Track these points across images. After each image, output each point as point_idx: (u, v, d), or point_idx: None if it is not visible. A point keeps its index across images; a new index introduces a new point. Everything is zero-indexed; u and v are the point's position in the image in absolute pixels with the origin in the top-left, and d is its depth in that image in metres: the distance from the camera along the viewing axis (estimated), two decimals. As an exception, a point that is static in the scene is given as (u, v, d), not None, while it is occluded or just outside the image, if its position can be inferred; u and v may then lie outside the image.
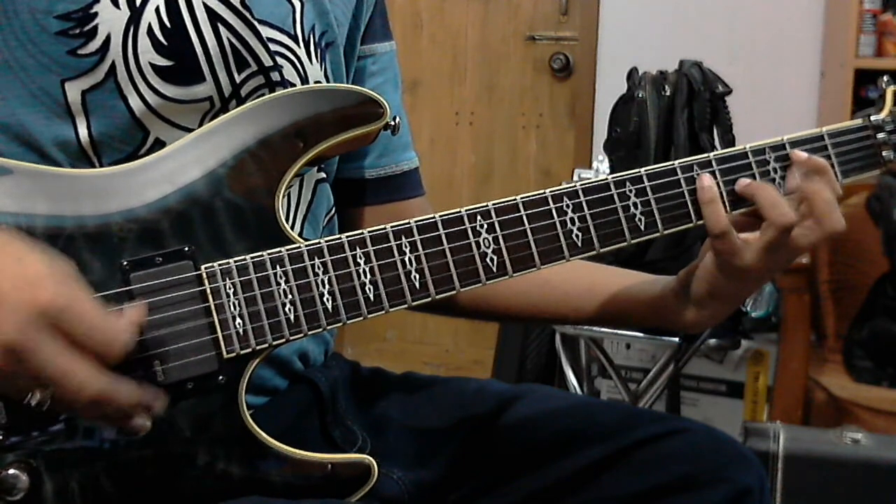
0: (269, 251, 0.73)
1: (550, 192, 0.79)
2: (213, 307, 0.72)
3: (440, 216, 0.77)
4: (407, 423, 0.94)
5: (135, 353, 0.67)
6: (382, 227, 0.76)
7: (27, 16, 0.75)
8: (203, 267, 0.72)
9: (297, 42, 0.86)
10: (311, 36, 0.88)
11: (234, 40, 0.80)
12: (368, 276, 0.75)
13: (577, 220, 0.79)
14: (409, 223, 0.76)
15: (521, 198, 0.79)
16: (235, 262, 0.73)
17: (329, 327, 0.74)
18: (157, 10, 0.77)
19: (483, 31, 3.17)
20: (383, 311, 0.75)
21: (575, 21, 3.05)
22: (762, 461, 1.20)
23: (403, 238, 0.76)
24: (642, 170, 0.82)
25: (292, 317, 0.73)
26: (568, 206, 0.79)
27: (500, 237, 0.78)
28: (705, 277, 0.84)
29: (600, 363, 2.37)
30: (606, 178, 0.81)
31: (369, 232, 0.75)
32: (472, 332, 3.24)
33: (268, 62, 0.82)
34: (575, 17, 3.05)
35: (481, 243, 0.77)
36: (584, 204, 0.80)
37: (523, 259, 0.78)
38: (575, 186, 0.80)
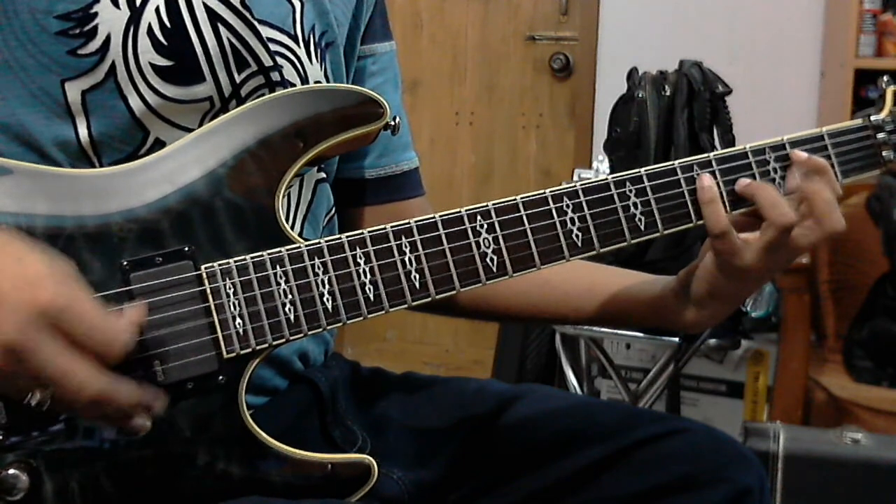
0: (269, 251, 0.74)
1: (550, 192, 0.79)
2: (213, 307, 0.72)
3: (440, 216, 0.77)
4: (407, 423, 0.94)
5: (135, 354, 0.67)
6: (382, 227, 0.76)
7: (27, 16, 0.75)
8: (203, 267, 0.72)
9: (297, 42, 0.86)
10: (311, 36, 0.88)
11: (234, 40, 0.80)
12: (368, 276, 0.75)
13: (577, 220, 0.79)
14: (409, 223, 0.76)
15: (521, 198, 0.79)
16: (235, 262, 0.73)
17: (329, 327, 0.74)
18: (157, 10, 0.77)
19: (483, 31, 3.17)
20: (383, 311, 0.75)
21: (575, 21, 3.05)
22: (762, 461, 1.20)
23: (403, 238, 0.76)
24: (642, 170, 0.82)
25: (292, 317, 0.73)
26: (568, 206, 0.79)
27: (500, 237, 0.78)
28: (705, 277, 0.84)
29: (600, 363, 2.37)
30: (606, 178, 0.81)
31: (369, 232, 0.75)
32: (472, 332, 3.24)
33: (268, 62, 0.82)
34: (575, 17, 3.05)
35: (481, 243, 0.77)
36: (584, 204, 0.80)
37: (523, 259, 0.78)
38: (575, 186, 0.80)
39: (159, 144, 0.78)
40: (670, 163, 0.82)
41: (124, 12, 0.77)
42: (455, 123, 3.23)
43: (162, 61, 0.77)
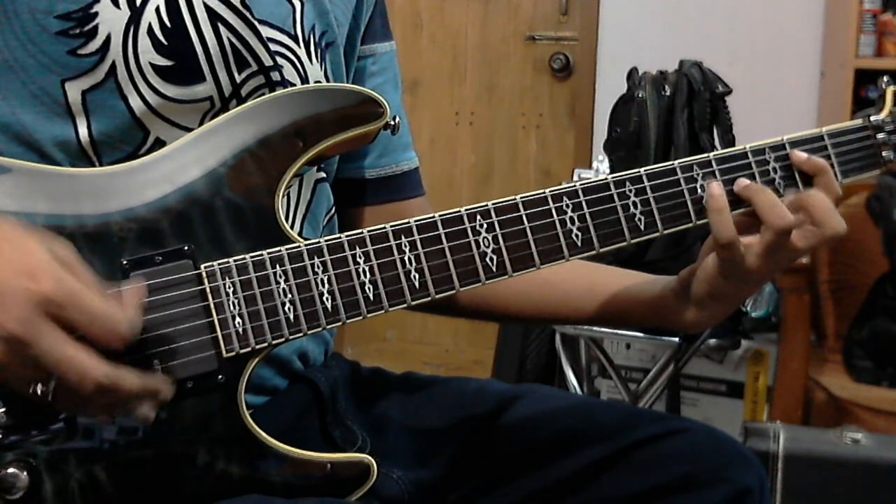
0: (269, 250, 0.74)
1: (550, 191, 0.79)
2: (212, 306, 0.72)
3: (440, 216, 0.77)
4: (407, 423, 0.94)
5: (134, 352, 0.67)
6: (382, 226, 0.76)
7: (27, 16, 0.75)
8: (203, 266, 0.72)
9: (297, 42, 0.86)
10: (312, 36, 0.88)
11: (234, 40, 0.80)
12: (368, 275, 0.75)
13: (576, 220, 0.79)
14: (408, 222, 0.76)
15: (521, 197, 0.79)
16: (235, 261, 0.73)
17: (328, 326, 0.74)
18: (158, 9, 0.77)
19: (483, 31, 3.17)
20: (383, 311, 0.75)
21: (575, 21, 3.05)
22: (762, 461, 1.20)
23: (403, 237, 0.76)
24: (642, 170, 0.82)
25: (292, 316, 0.73)
26: (568, 205, 0.79)
27: (500, 237, 0.78)
28: (706, 279, 0.83)
29: (600, 363, 2.37)
30: (606, 178, 0.81)
31: (369, 231, 0.75)
32: (472, 332, 3.24)
33: (268, 62, 0.82)
34: (575, 17, 3.05)
35: (481, 243, 0.77)
36: (583, 204, 0.80)
37: (523, 259, 0.78)
38: (575, 186, 0.80)
39: (159, 144, 0.78)
40: (670, 163, 0.82)
41: (124, 12, 0.77)
42: (455, 123, 3.23)
43: (162, 61, 0.78)
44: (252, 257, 0.73)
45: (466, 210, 0.77)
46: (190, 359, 0.71)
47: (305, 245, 0.74)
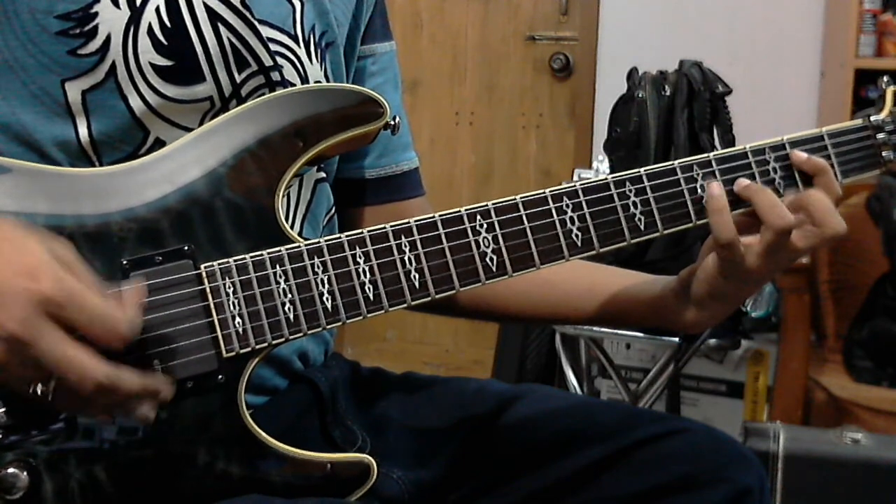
0: (269, 250, 0.74)
1: (550, 191, 0.79)
2: (212, 306, 0.72)
3: (440, 216, 0.77)
4: (407, 423, 0.94)
5: (134, 352, 0.67)
6: (382, 226, 0.76)
7: (27, 16, 0.75)
8: (203, 266, 0.72)
9: (297, 42, 0.86)
10: (311, 36, 0.88)
11: (234, 40, 0.80)
12: (368, 275, 0.75)
13: (576, 220, 0.79)
14: (408, 222, 0.76)
15: (521, 197, 0.79)
16: (235, 261, 0.73)
17: (328, 326, 0.74)
18: (158, 9, 0.77)
19: (483, 31, 3.17)
20: (383, 311, 0.75)
21: (575, 21, 3.05)
22: (762, 461, 1.20)
23: (403, 237, 0.76)
24: (642, 170, 0.82)
25: (292, 316, 0.73)
26: (567, 205, 0.79)
27: (500, 237, 0.78)
28: (706, 279, 0.83)
29: (600, 363, 2.37)
30: (606, 178, 0.81)
31: (369, 231, 0.75)
32: (472, 332, 3.24)
33: (268, 62, 0.82)
34: (575, 17, 3.05)
35: (481, 243, 0.77)
36: (583, 204, 0.80)
37: (523, 259, 0.78)
38: (575, 186, 0.80)
39: (159, 144, 0.78)
40: (670, 163, 0.82)
41: (124, 12, 0.77)
42: (455, 123, 3.23)
43: (162, 61, 0.78)
44: (252, 257, 0.73)
45: (466, 210, 0.77)
46: (190, 359, 0.71)
47: (305, 245, 0.74)
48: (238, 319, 0.72)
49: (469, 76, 3.20)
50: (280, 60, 0.83)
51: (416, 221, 0.76)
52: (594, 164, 2.44)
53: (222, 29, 0.79)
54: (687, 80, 2.04)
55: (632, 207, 0.81)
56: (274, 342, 0.73)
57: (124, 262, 0.70)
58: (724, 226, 0.80)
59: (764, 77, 2.77)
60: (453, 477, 0.91)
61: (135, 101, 0.77)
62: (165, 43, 0.77)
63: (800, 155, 0.85)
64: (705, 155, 0.83)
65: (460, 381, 0.99)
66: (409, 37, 3.20)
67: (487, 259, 0.77)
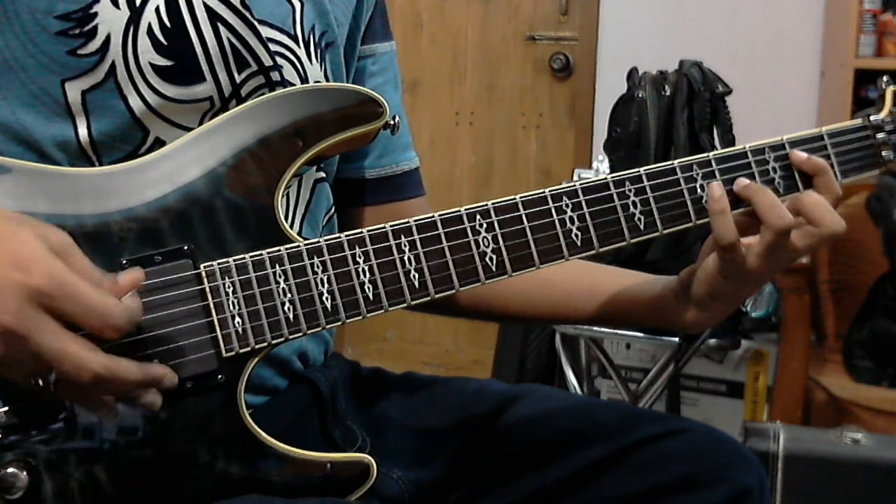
0: (268, 250, 0.74)
1: (550, 191, 0.79)
2: (212, 306, 0.72)
3: (439, 215, 0.77)
4: (407, 423, 0.94)
5: (134, 352, 0.67)
6: (381, 226, 0.76)
7: (27, 16, 0.75)
8: (202, 266, 0.72)
9: (296, 42, 0.86)
10: (311, 36, 0.88)
11: (234, 40, 0.80)
12: (367, 275, 0.75)
13: (576, 220, 0.79)
14: (408, 222, 0.76)
15: (521, 197, 0.79)
16: (234, 260, 0.73)
17: (328, 326, 0.74)
18: (157, 9, 0.77)
19: (483, 31, 3.17)
20: (382, 311, 0.75)
21: (575, 21, 3.05)
22: (762, 461, 1.20)
23: (402, 237, 0.76)
24: (641, 169, 0.82)
25: (291, 316, 0.73)
26: (567, 205, 0.79)
27: (500, 236, 0.77)
28: (706, 279, 0.83)
29: (600, 363, 2.37)
30: (606, 178, 0.81)
31: (368, 231, 0.75)
32: (472, 332, 3.24)
33: (268, 62, 0.82)
34: (575, 17, 3.05)
35: (480, 242, 0.77)
36: (583, 203, 0.80)
37: (522, 258, 0.78)
38: (574, 186, 0.80)
39: (159, 144, 0.78)
40: (669, 163, 0.82)
41: (124, 12, 0.77)
42: (455, 123, 3.23)
43: (162, 61, 0.78)
44: (251, 257, 0.73)
45: (466, 210, 0.77)
46: (189, 358, 0.71)
47: (305, 245, 0.74)
48: (237, 319, 0.72)
49: (469, 76, 3.20)
50: (280, 60, 0.83)
51: (415, 221, 0.76)
52: (594, 164, 2.44)
53: (222, 29, 0.79)
54: (687, 80, 2.04)
55: (631, 207, 0.81)
56: (273, 342, 0.73)
57: (124, 262, 0.70)
58: (726, 227, 0.80)
59: (764, 77, 2.77)
60: (453, 477, 0.91)
61: (134, 101, 0.77)
62: (165, 43, 0.77)
63: (799, 155, 0.85)
64: (705, 155, 0.83)
65: (460, 381, 0.99)
66: (409, 37, 3.20)
67: (487, 259, 0.77)
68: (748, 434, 1.62)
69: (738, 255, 0.80)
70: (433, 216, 0.77)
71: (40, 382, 0.62)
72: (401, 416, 0.95)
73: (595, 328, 2.11)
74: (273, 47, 0.83)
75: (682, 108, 2.03)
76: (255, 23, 0.81)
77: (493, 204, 0.78)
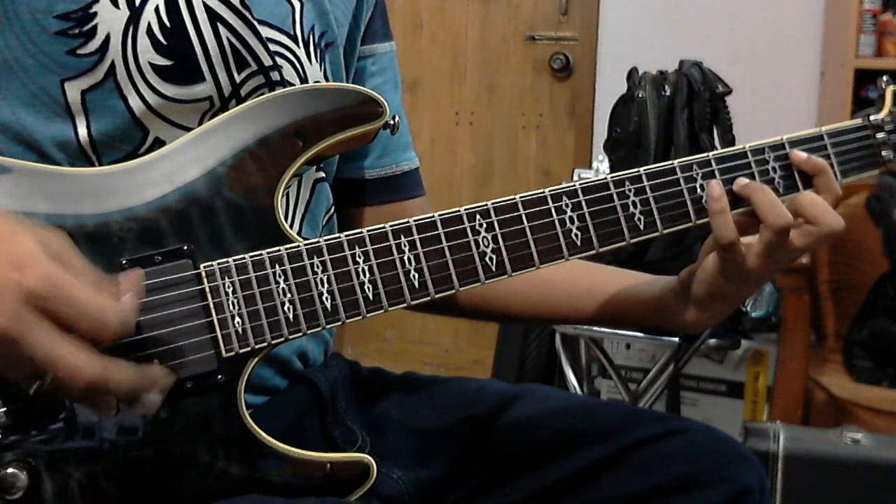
0: (268, 250, 0.73)
1: (550, 191, 0.79)
2: (211, 306, 0.72)
3: (439, 215, 0.77)
4: (407, 423, 0.94)
5: (133, 352, 0.67)
6: (381, 226, 0.76)
7: (27, 16, 0.75)
8: (202, 266, 0.72)
9: (296, 42, 0.86)
10: (311, 36, 0.88)
11: (233, 40, 0.80)
12: (367, 275, 0.75)
13: (576, 220, 0.79)
14: (408, 222, 0.76)
15: (521, 197, 0.79)
16: (234, 260, 0.73)
17: (328, 326, 0.74)
18: (157, 9, 0.77)
19: (483, 31, 3.17)
20: (382, 311, 0.75)
21: (575, 21, 3.05)
22: (762, 461, 1.20)
23: (402, 237, 0.76)
24: (641, 169, 0.82)
25: (291, 316, 0.73)
26: (567, 205, 0.79)
27: (500, 236, 0.77)
28: (706, 279, 0.83)
29: (600, 363, 2.37)
30: (605, 178, 0.81)
31: (368, 231, 0.75)
32: (472, 332, 3.24)
33: (267, 62, 0.82)
34: (575, 17, 3.05)
35: (480, 242, 0.77)
36: (583, 203, 0.80)
37: (522, 258, 0.78)
38: (574, 186, 0.80)
39: (159, 144, 0.78)
40: (669, 162, 0.82)
41: (123, 12, 0.77)
42: (455, 123, 3.23)
43: (161, 61, 0.77)
44: (251, 257, 0.73)
45: (466, 210, 0.77)
46: (189, 359, 0.71)
47: (305, 245, 0.74)
48: (237, 319, 0.72)
49: (469, 76, 3.20)
50: (279, 60, 0.83)
51: (415, 221, 0.76)
52: (594, 164, 2.44)
53: (222, 29, 0.79)
54: (687, 80, 2.04)
55: (631, 207, 0.81)
56: (273, 342, 0.73)
57: (124, 262, 0.70)
58: (726, 227, 0.80)
59: (764, 77, 2.77)
60: (453, 477, 0.91)
61: (134, 101, 0.77)
62: (165, 43, 0.77)
63: (799, 155, 0.85)
64: (705, 155, 0.83)
65: (460, 381, 0.99)
66: (409, 37, 3.20)
67: (487, 259, 0.77)
68: (748, 434, 1.63)
69: (738, 254, 0.80)
70: (433, 216, 0.77)
71: (37, 384, 0.61)
72: (401, 416, 0.95)
73: (595, 328, 2.11)
74: (273, 47, 0.83)
75: (682, 108, 2.03)
76: (255, 23, 0.81)
77: (492, 204, 0.78)
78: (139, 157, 0.76)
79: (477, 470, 0.91)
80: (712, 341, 2.07)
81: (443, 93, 3.22)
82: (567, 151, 3.10)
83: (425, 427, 0.94)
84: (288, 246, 0.74)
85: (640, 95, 2.06)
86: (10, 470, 0.66)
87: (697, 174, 0.82)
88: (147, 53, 0.77)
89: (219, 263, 0.72)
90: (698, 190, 0.82)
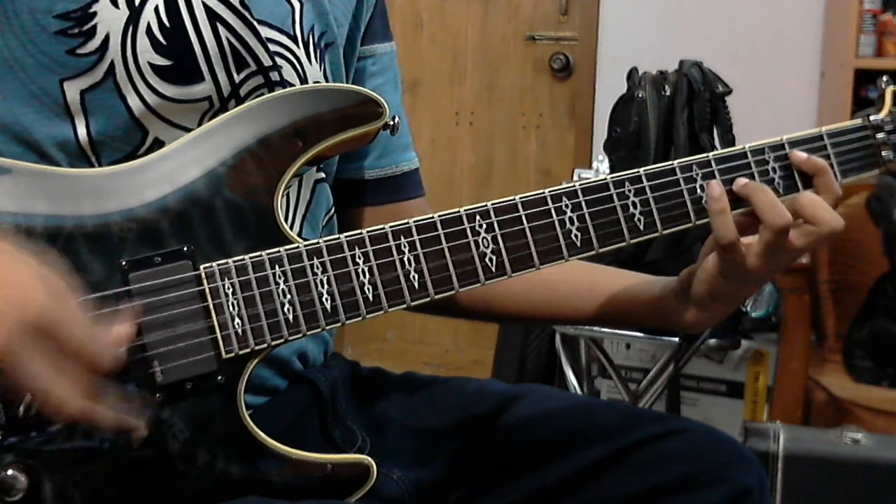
0: (268, 251, 0.73)
1: (549, 191, 0.79)
2: (211, 307, 0.72)
3: (439, 216, 0.77)
4: (407, 423, 0.94)
5: (134, 354, 0.67)
6: (381, 226, 0.76)
7: (27, 15, 0.75)
8: (202, 267, 0.72)
9: (296, 42, 0.86)
10: (311, 36, 0.88)
11: (233, 40, 0.80)
12: (367, 276, 0.75)
13: (576, 220, 0.79)
14: (408, 223, 0.76)
15: (520, 198, 0.79)
16: (234, 262, 0.73)
17: (328, 327, 0.74)
18: (157, 9, 0.77)
19: (483, 31, 3.17)
20: (382, 312, 0.75)
21: (575, 21, 3.05)
22: (762, 461, 1.20)
23: (402, 238, 0.76)
24: (641, 170, 0.82)
25: (291, 317, 0.73)
26: (567, 205, 0.79)
27: (499, 237, 0.77)
28: (706, 279, 0.83)
29: (600, 363, 2.37)
30: (605, 178, 0.81)
31: (368, 232, 0.75)
32: (472, 332, 3.24)
33: (267, 62, 0.82)
34: (575, 17, 3.05)
35: (480, 243, 0.77)
36: (583, 204, 0.80)
37: (522, 259, 0.78)
38: (574, 186, 0.80)
39: (158, 144, 0.78)
40: (669, 163, 0.82)
41: (123, 12, 0.77)
42: (455, 123, 3.23)
43: (161, 61, 0.77)
44: (251, 258, 0.73)
45: (466, 210, 0.77)
46: (189, 360, 0.71)
47: (305, 246, 0.74)
48: (237, 320, 0.72)
49: (469, 76, 3.20)
50: (279, 61, 0.83)
51: (415, 222, 0.76)
52: (594, 164, 2.44)
53: (221, 29, 0.79)
54: (687, 80, 2.04)
55: (631, 207, 0.81)
56: (273, 343, 0.73)
57: (123, 263, 0.70)
58: (726, 227, 0.80)
59: (764, 77, 2.77)
60: (453, 477, 0.91)
61: (133, 101, 0.77)
62: (164, 43, 0.77)
63: (799, 155, 0.85)
64: (705, 155, 0.83)
65: (460, 381, 0.99)
66: (409, 37, 3.20)
67: (487, 259, 0.77)
68: (748, 434, 1.62)
69: (738, 254, 0.80)
70: (433, 217, 0.77)
71: (24, 408, 0.62)
72: (401, 416, 0.95)
73: (595, 328, 2.11)
74: (272, 47, 0.83)
75: (682, 108, 2.03)
76: (255, 23, 0.81)
77: (492, 204, 0.78)
78: (139, 157, 0.76)
79: (477, 470, 0.91)
80: (712, 341, 2.07)
81: (443, 93, 3.22)
82: (567, 151, 3.10)
83: (425, 427, 0.94)
84: (288, 247, 0.74)
85: (640, 95, 2.06)
86: (9, 471, 0.66)
87: (697, 174, 0.82)
88: (146, 53, 0.77)
89: (219, 265, 0.72)
90: (698, 190, 0.82)
